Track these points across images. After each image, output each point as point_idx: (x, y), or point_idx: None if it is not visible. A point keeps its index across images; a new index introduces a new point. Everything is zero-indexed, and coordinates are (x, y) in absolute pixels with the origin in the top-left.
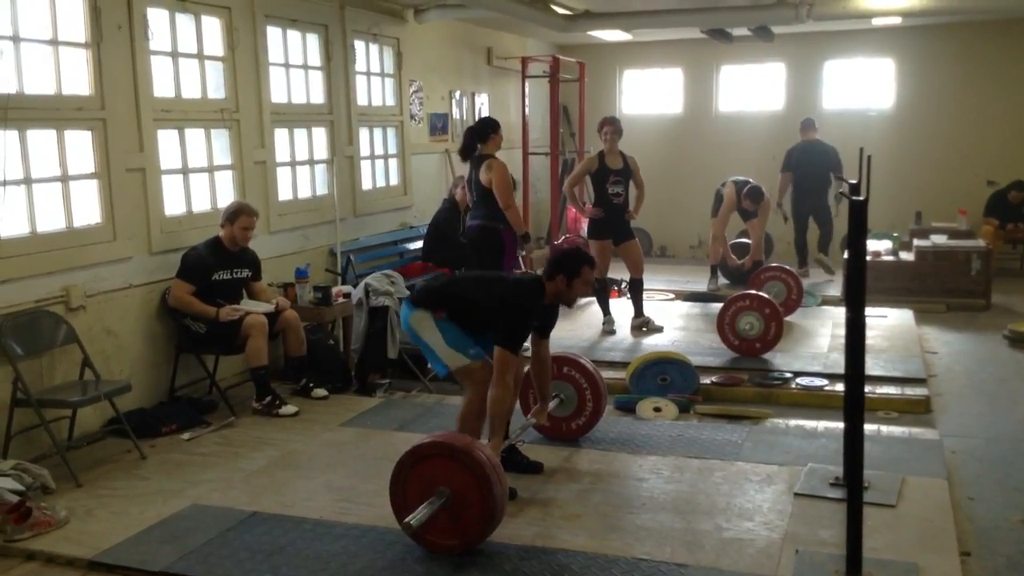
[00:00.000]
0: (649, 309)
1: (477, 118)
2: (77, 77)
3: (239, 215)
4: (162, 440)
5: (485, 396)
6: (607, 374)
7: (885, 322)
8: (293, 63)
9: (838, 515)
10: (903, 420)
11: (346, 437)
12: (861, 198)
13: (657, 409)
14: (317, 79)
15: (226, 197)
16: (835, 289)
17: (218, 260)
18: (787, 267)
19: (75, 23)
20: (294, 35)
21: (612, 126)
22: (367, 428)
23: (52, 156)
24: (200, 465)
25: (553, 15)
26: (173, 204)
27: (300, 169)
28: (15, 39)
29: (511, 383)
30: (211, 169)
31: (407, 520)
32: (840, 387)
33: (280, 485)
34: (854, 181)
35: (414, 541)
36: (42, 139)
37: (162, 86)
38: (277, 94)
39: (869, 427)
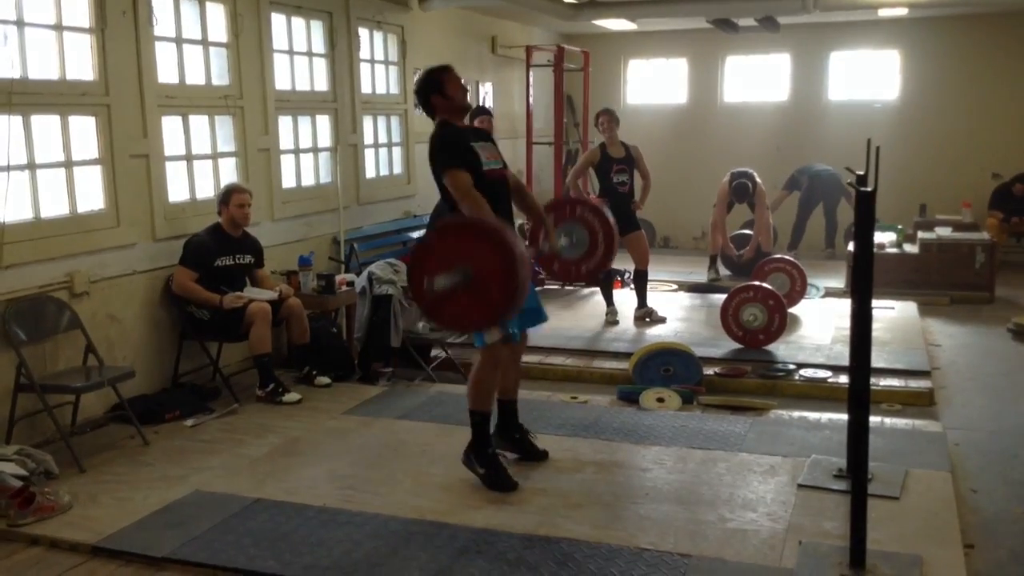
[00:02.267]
0: (652, 300)
1: (479, 105)
2: (81, 62)
3: (231, 194)
4: (165, 426)
5: (495, 364)
6: (610, 364)
7: (889, 314)
8: (297, 50)
9: (841, 507)
10: (907, 412)
11: (349, 425)
12: (869, 189)
13: (660, 400)
14: (321, 66)
15: None
16: (838, 281)
17: (220, 246)
18: (791, 258)
19: (79, 8)
20: (298, 22)
21: (607, 115)
22: (370, 416)
23: (56, 142)
24: (203, 452)
25: (559, 4)
26: (177, 191)
27: (304, 157)
28: (19, 23)
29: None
30: (215, 156)
31: (429, 280)
32: (843, 379)
33: (283, 472)
34: (861, 172)
35: (431, 312)
36: (46, 124)
37: (166, 72)
38: (281, 81)
39: (873, 419)
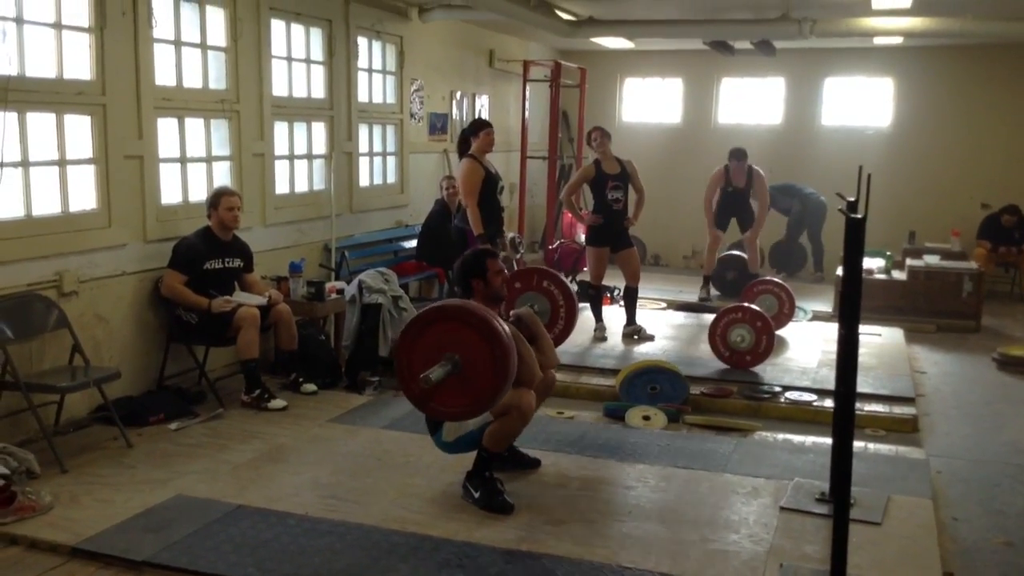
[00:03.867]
0: (641, 318)
1: (480, 118)
2: (79, 61)
3: (220, 197)
4: (149, 429)
5: (526, 413)
6: (597, 381)
7: (875, 340)
8: (295, 57)
9: (823, 531)
10: (890, 438)
11: (334, 433)
12: (859, 216)
13: (646, 418)
14: (319, 74)
15: None
16: (826, 305)
17: (209, 248)
18: (779, 281)
19: (79, 7)
20: (298, 29)
21: (600, 131)
22: (355, 425)
23: (51, 140)
24: (187, 456)
25: (557, 20)
26: (170, 193)
27: (298, 163)
28: (18, 20)
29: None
30: (209, 159)
31: (424, 375)
32: (828, 403)
33: (266, 479)
34: (852, 199)
35: (419, 405)
36: (41, 122)
37: (164, 74)
38: (278, 87)
39: (856, 444)
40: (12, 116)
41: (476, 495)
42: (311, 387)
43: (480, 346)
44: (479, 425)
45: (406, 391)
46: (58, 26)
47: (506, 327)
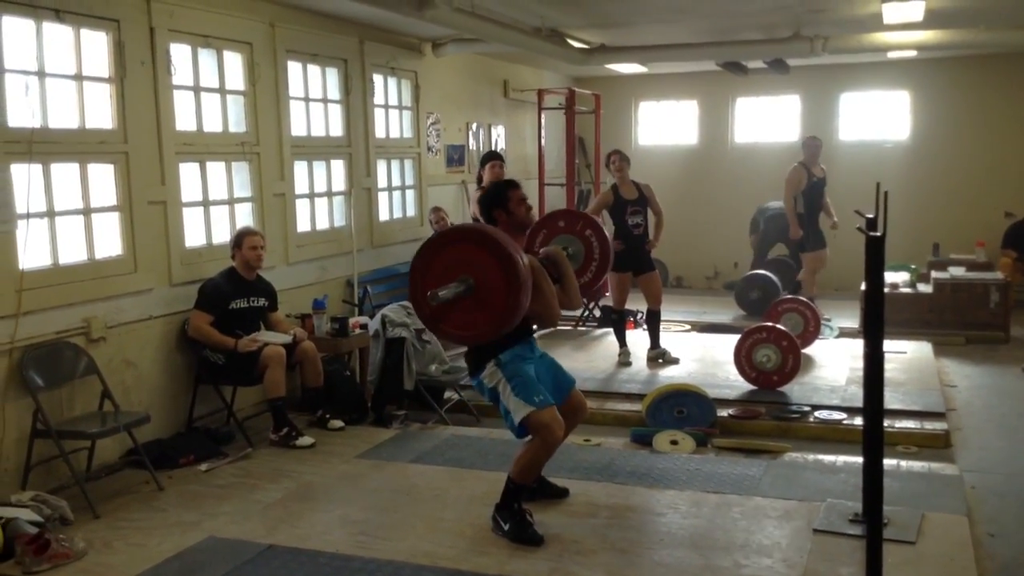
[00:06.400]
0: (665, 340)
1: (491, 150)
2: (100, 111)
3: (243, 237)
4: (180, 471)
5: (552, 445)
6: (623, 406)
7: (902, 356)
8: (313, 97)
9: (857, 552)
10: (922, 455)
11: (362, 469)
12: (878, 234)
13: (674, 442)
14: (336, 112)
15: None
16: (853, 321)
17: (234, 288)
18: (804, 299)
19: (99, 58)
20: (314, 69)
21: (619, 155)
22: (383, 460)
23: (75, 189)
24: (217, 497)
25: (570, 49)
26: (193, 236)
27: (319, 201)
28: (40, 74)
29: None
30: (231, 201)
31: (432, 292)
32: (859, 421)
33: (296, 517)
34: (871, 215)
35: (429, 325)
36: (65, 172)
37: (184, 120)
38: (297, 127)
39: (888, 462)
40: (37, 168)
41: (506, 527)
42: (338, 423)
43: (495, 271)
44: (512, 410)
45: (418, 311)
46: (79, 77)
47: (524, 257)
